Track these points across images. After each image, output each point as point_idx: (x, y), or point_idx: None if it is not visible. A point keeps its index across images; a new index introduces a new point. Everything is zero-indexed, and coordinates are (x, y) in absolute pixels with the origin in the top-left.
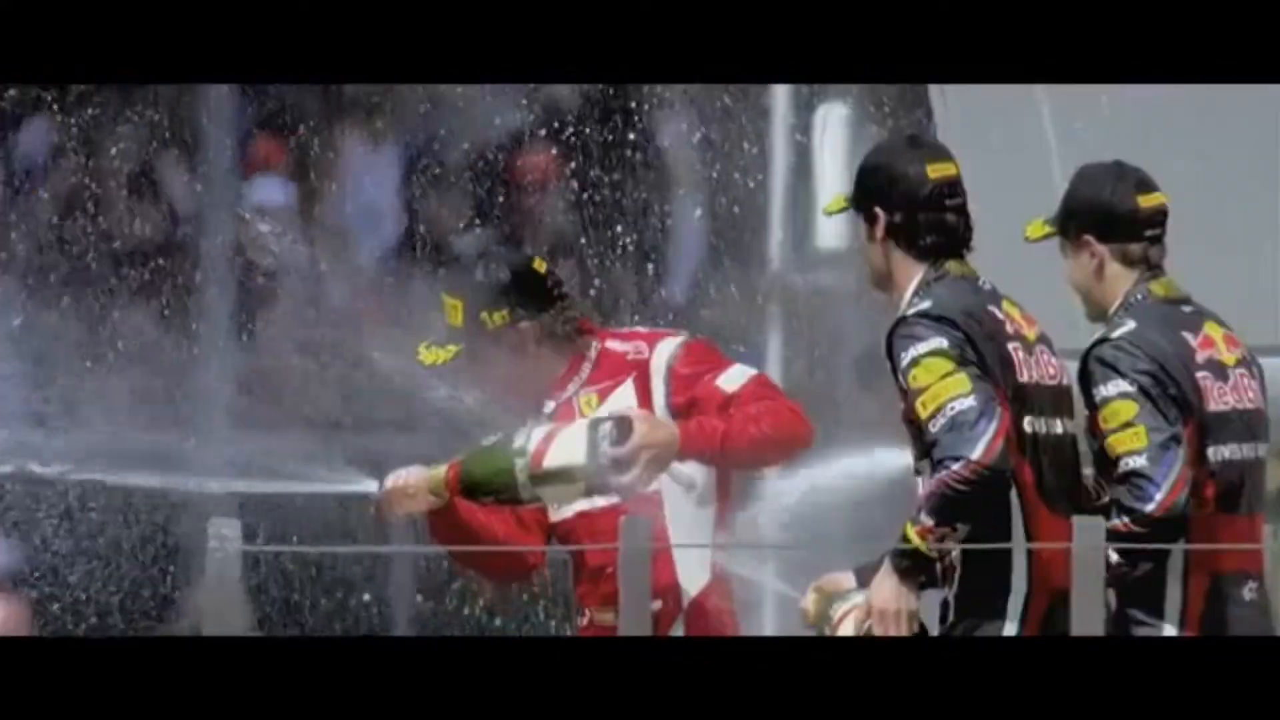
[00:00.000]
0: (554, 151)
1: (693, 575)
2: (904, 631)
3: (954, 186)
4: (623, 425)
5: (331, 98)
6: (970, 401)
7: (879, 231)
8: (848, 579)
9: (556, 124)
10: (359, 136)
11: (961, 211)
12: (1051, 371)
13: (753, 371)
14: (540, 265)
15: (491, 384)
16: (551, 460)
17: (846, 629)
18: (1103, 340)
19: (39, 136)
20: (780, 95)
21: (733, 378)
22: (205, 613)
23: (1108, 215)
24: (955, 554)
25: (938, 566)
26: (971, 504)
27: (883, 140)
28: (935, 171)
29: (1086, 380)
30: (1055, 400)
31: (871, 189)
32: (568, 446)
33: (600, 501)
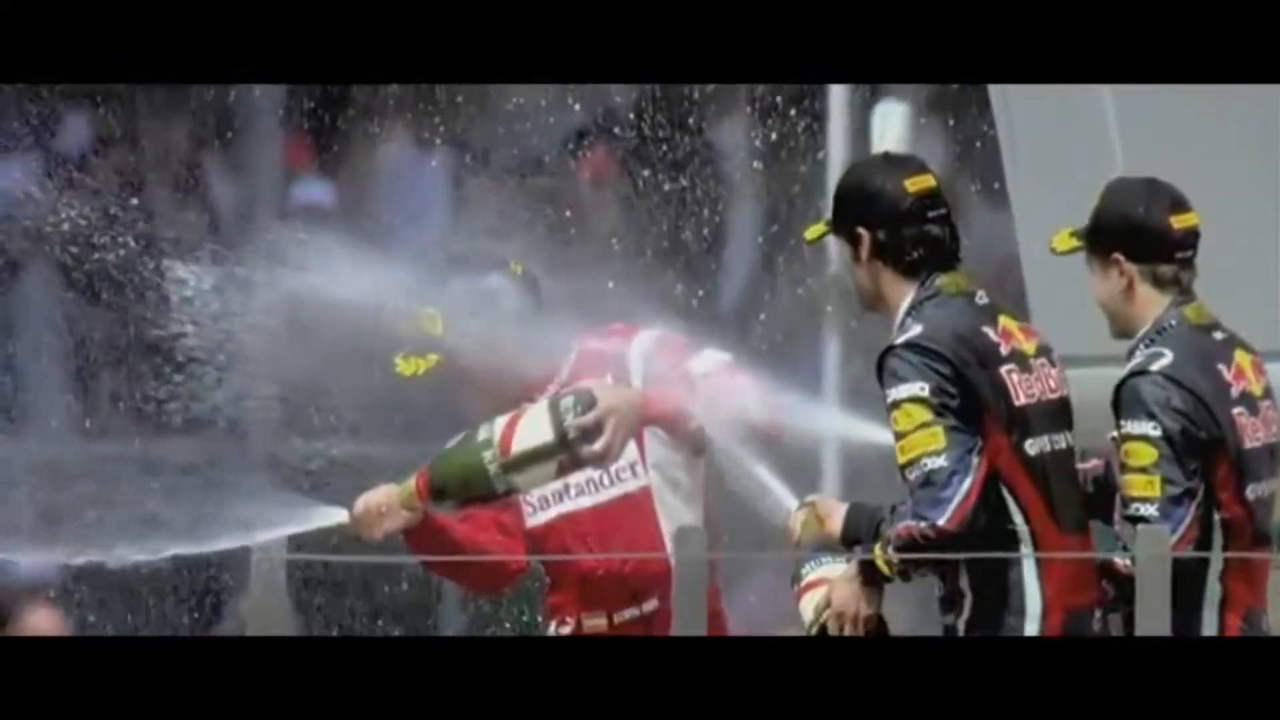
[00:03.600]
0: (608, 154)
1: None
2: (857, 633)
3: (934, 198)
4: (584, 395)
5: (380, 98)
6: (942, 461)
7: (864, 252)
8: (838, 513)
9: (610, 125)
10: (406, 138)
11: (945, 222)
12: (1052, 385)
13: (727, 356)
14: (517, 269)
15: (472, 391)
16: (520, 444)
17: (806, 608)
18: (1141, 372)
19: (80, 132)
20: (837, 94)
21: (705, 360)
22: (250, 623)
23: (1139, 234)
24: (965, 581)
25: (947, 591)
26: (934, 559)
27: (855, 161)
28: (913, 185)
29: (1117, 409)
30: (1056, 415)
31: (851, 210)
32: (533, 427)
33: (585, 501)
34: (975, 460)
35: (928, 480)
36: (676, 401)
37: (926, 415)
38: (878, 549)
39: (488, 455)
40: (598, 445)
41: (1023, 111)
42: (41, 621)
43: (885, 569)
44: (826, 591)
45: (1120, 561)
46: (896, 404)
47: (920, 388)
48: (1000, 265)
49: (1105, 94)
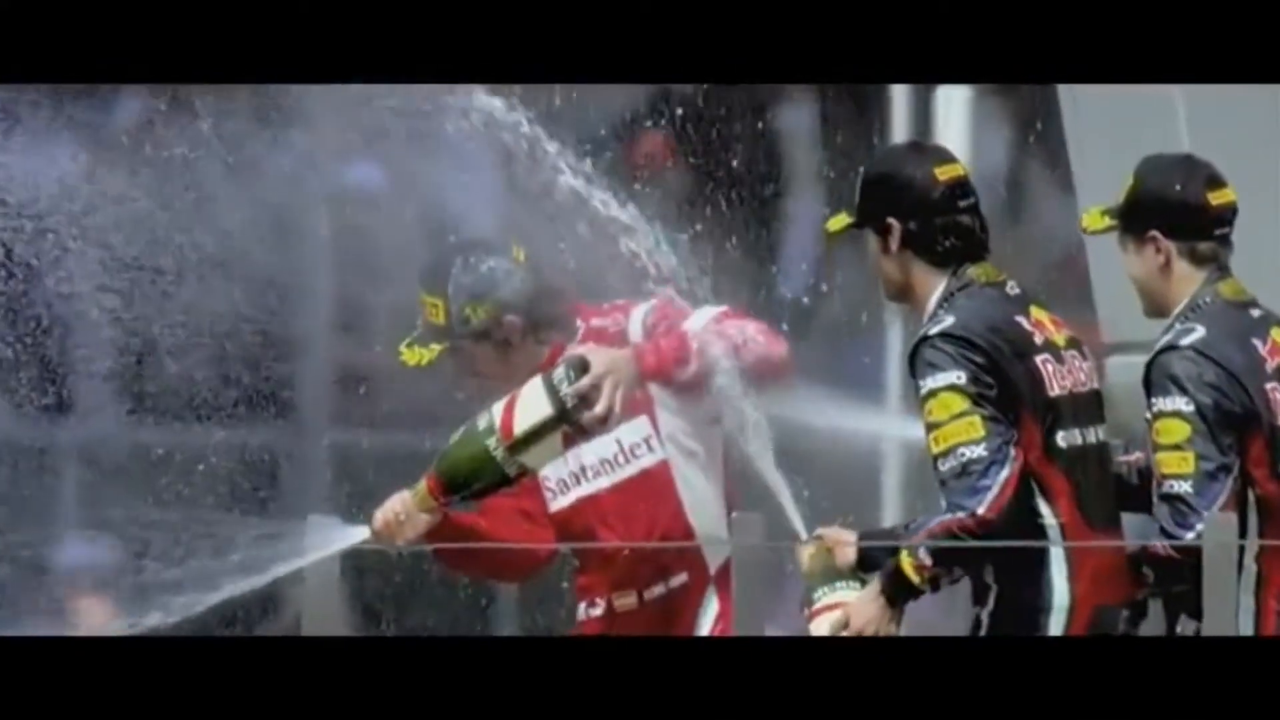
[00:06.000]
0: (669, 139)
1: (714, 546)
2: None
3: (964, 187)
4: (576, 362)
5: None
6: (980, 450)
7: (894, 242)
8: (850, 544)
9: (672, 113)
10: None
11: (975, 212)
12: (1083, 377)
13: (722, 308)
14: (520, 255)
15: (480, 379)
16: (520, 424)
17: (820, 629)
18: (1171, 348)
19: (126, 119)
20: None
21: (700, 316)
22: (305, 613)
23: (1178, 211)
24: (990, 574)
25: (972, 583)
26: (972, 554)
27: (880, 150)
28: (943, 174)
29: (1148, 387)
30: (1088, 407)
31: (881, 199)
32: (531, 405)
33: (603, 482)
34: (1013, 451)
35: (965, 470)
36: (671, 351)
37: (964, 404)
38: (905, 555)
39: (491, 442)
40: (598, 409)
41: (1087, 96)
42: (90, 613)
43: (914, 576)
44: (843, 614)
45: (1158, 544)
46: (932, 394)
47: (957, 376)
48: (1064, 252)
49: (1175, 93)
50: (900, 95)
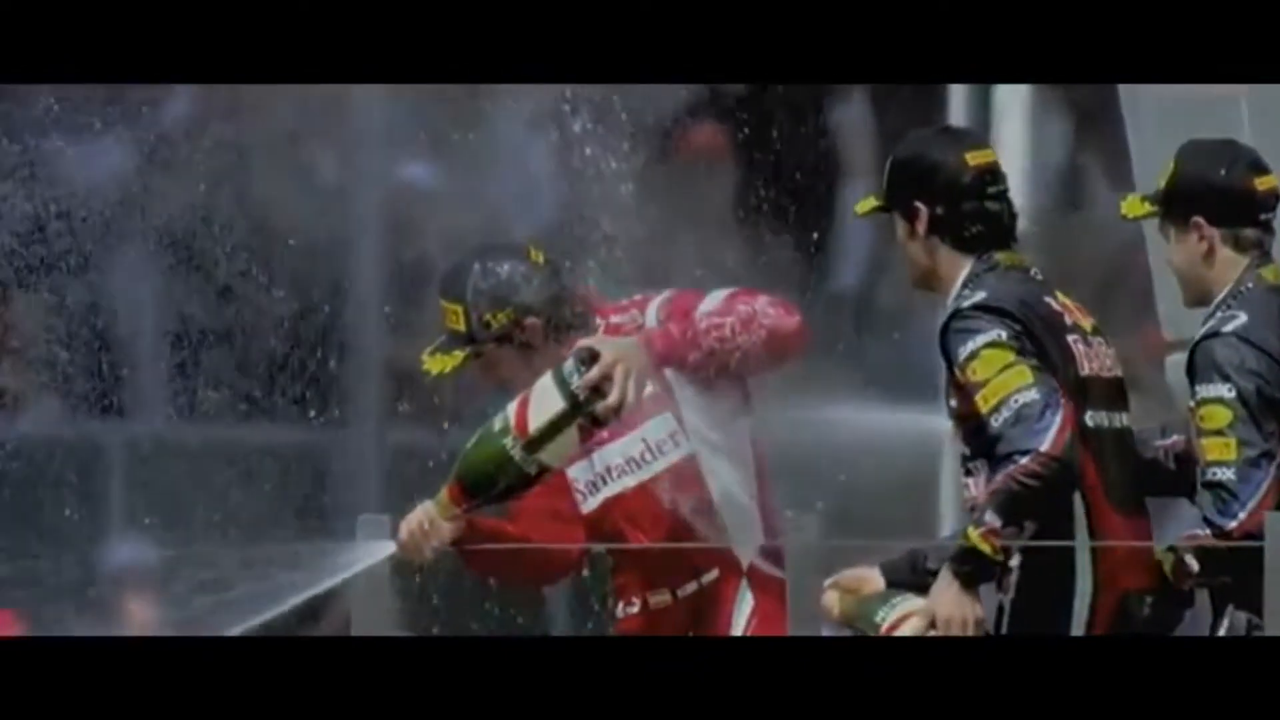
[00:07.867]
0: (721, 132)
1: (746, 541)
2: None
3: (994, 173)
4: (584, 353)
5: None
6: (1034, 394)
7: (921, 227)
8: (874, 577)
9: (725, 106)
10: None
11: (1003, 199)
12: (1109, 363)
13: (735, 289)
14: (537, 255)
15: (503, 383)
16: (535, 421)
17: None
18: (1214, 334)
19: (177, 115)
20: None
21: (712, 298)
22: (353, 613)
23: (1221, 197)
24: (1013, 557)
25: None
26: (1040, 499)
27: (911, 134)
28: (974, 159)
29: (1191, 374)
30: (1114, 393)
31: (909, 183)
32: (544, 400)
33: (630, 481)
34: (1062, 398)
35: (1020, 416)
36: (680, 333)
37: (1009, 356)
38: (971, 529)
39: (507, 441)
40: (611, 398)
41: (1148, 92)
42: (137, 613)
43: (985, 546)
44: (921, 619)
45: (1202, 533)
46: (974, 355)
47: (997, 335)
48: (1123, 248)
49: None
50: (955, 96)
